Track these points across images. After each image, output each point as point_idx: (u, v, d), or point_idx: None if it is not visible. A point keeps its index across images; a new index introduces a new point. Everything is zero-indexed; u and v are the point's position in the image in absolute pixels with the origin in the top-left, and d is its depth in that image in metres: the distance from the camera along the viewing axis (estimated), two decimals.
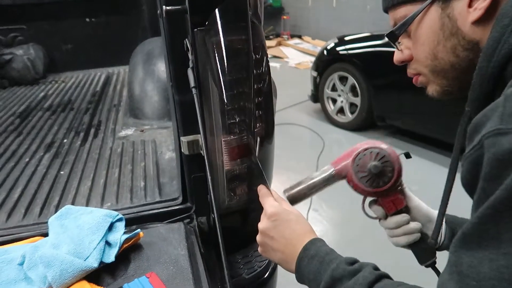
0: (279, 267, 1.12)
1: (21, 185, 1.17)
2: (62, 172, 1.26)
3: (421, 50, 0.61)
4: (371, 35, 3.72)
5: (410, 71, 0.66)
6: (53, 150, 1.42)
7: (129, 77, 1.86)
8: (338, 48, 3.79)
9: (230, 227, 0.99)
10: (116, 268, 0.78)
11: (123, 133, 1.56)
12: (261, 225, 0.70)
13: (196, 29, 0.84)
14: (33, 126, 1.70)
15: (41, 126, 1.69)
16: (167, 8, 0.83)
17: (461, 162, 0.49)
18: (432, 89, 0.63)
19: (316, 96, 4.07)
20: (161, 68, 1.71)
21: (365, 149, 0.69)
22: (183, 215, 1.01)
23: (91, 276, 0.74)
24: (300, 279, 0.64)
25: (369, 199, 0.75)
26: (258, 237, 0.70)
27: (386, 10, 0.65)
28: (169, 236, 0.87)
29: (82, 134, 1.57)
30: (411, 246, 0.75)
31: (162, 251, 0.82)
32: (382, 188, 0.69)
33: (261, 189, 0.75)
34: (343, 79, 3.76)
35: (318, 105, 4.19)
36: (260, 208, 0.73)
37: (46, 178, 1.22)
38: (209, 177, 0.83)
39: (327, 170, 0.74)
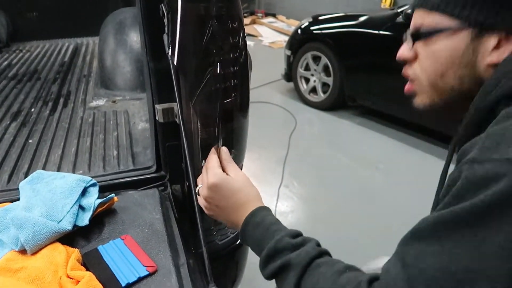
0: None
1: None
2: (30, 141, 1.22)
3: (431, 64, 0.62)
4: (345, 15, 3.75)
5: (408, 72, 0.67)
6: (20, 119, 1.38)
7: (99, 47, 1.80)
8: (312, 28, 3.80)
9: None
10: (90, 231, 0.78)
11: (94, 103, 1.52)
12: (202, 192, 0.71)
13: None
14: None
15: (6, 95, 1.62)
16: None
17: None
18: (420, 100, 0.67)
19: (289, 75, 4.09)
20: (134, 38, 1.67)
21: None
22: (157, 183, 1.02)
23: (65, 238, 0.74)
24: (244, 242, 0.68)
25: None
26: (201, 202, 0.72)
27: (418, 7, 0.63)
28: (144, 201, 0.88)
29: (50, 104, 1.52)
30: None
31: (137, 215, 0.83)
32: None
33: (210, 153, 0.78)
34: (316, 59, 3.79)
35: (291, 84, 4.22)
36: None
37: (14, 146, 1.18)
38: (185, 144, 0.83)
39: None
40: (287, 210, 2.50)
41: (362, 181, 2.79)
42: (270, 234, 0.62)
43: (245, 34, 1.00)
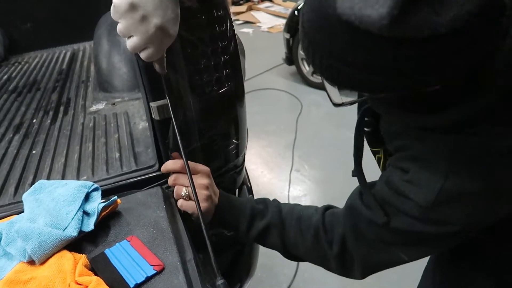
0: None
1: None
2: (34, 152, 1.23)
3: None
4: None
5: None
6: (22, 131, 1.39)
7: (94, 51, 1.80)
8: None
9: None
10: (96, 236, 0.78)
11: (94, 108, 1.52)
12: (203, 181, 0.85)
13: None
14: None
15: (7, 109, 1.63)
16: None
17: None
18: None
19: (291, 58, 4.05)
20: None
21: None
22: (161, 181, 1.01)
23: (72, 245, 0.75)
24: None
25: None
26: (204, 191, 0.84)
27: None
28: (147, 200, 0.87)
29: (51, 113, 1.53)
30: None
31: (141, 215, 0.83)
32: None
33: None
34: None
35: (293, 67, 4.18)
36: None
37: (18, 158, 1.19)
38: (178, 139, 0.83)
39: None
40: (300, 194, 2.49)
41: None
42: (241, 209, 0.86)
43: (232, 20, 0.98)
